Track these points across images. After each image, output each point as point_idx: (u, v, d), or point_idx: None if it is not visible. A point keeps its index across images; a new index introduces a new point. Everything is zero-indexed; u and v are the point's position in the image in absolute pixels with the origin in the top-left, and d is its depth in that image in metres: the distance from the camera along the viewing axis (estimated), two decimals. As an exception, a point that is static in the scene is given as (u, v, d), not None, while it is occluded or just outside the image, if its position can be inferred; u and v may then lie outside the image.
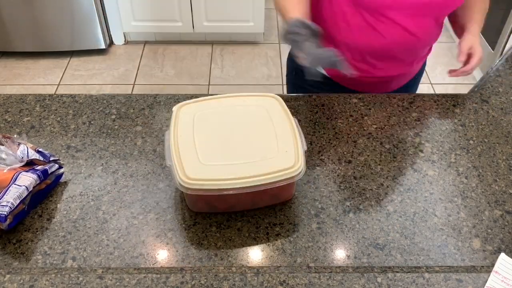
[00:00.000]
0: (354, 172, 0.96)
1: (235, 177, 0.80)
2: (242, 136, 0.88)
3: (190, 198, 0.86)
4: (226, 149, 0.85)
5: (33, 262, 0.80)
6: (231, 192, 0.80)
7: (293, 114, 1.09)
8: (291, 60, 1.31)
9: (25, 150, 0.88)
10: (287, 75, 1.39)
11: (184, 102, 0.93)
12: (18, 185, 0.83)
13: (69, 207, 0.89)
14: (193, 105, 0.93)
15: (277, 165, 0.82)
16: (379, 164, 0.98)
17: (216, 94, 0.95)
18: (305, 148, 0.87)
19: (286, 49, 1.31)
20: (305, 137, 1.02)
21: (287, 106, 1.09)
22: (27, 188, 0.83)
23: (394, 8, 1.06)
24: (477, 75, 2.72)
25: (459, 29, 1.19)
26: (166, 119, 1.07)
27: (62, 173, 0.93)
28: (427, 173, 0.96)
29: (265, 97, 0.96)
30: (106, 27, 2.89)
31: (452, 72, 1.15)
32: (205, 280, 0.77)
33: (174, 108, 0.92)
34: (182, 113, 0.91)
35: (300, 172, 0.83)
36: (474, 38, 1.12)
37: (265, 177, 0.80)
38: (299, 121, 1.06)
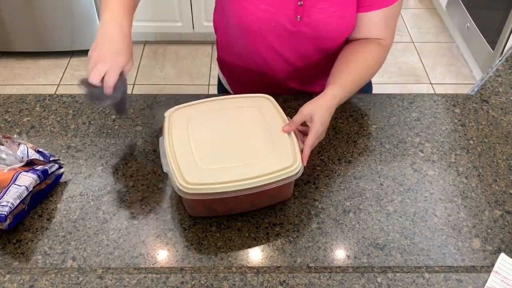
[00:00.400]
0: (354, 172, 0.96)
1: (235, 180, 0.80)
2: (238, 138, 0.88)
3: (189, 203, 0.86)
4: (223, 151, 0.85)
5: (33, 262, 0.80)
6: (231, 194, 0.80)
7: (293, 114, 1.09)
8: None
9: (25, 150, 0.89)
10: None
11: (176, 107, 0.93)
12: (18, 185, 0.83)
13: (69, 207, 0.89)
14: (186, 109, 0.93)
15: (275, 165, 0.82)
16: (379, 164, 0.98)
17: (213, 96, 0.95)
18: (302, 146, 0.87)
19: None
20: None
21: (287, 106, 1.10)
22: (27, 188, 0.83)
23: (260, 32, 1.03)
24: (477, 75, 2.72)
25: (326, 85, 0.97)
26: (166, 119, 1.07)
27: (62, 173, 0.93)
28: (427, 173, 0.96)
29: (257, 98, 0.96)
30: (106, 27, 2.89)
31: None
32: (205, 280, 0.77)
33: (167, 114, 0.91)
34: (175, 118, 0.91)
35: (298, 171, 0.83)
36: (319, 107, 0.89)
37: (265, 177, 0.80)
38: (299, 121, 1.06)
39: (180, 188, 0.79)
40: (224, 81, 1.31)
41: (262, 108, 0.93)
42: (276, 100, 1.12)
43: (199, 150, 0.85)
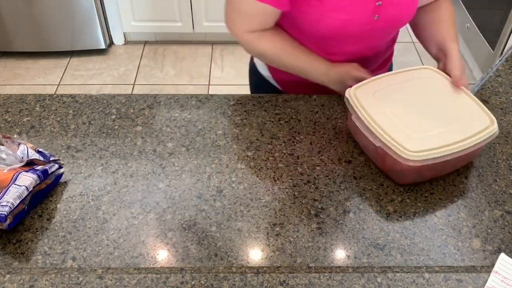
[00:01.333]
0: (354, 172, 0.96)
1: (452, 142, 0.86)
2: (428, 107, 0.94)
3: (402, 172, 0.89)
4: (423, 120, 0.90)
5: (33, 262, 0.80)
6: (452, 157, 0.86)
7: (293, 114, 1.09)
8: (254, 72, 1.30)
9: (25, 150, 0.89)
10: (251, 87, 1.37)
11: (355, 86, 0.97)
12: (18, 185, 0.83)
13: (69, 207, 0.89)
14: (365, 86, 0.97)
15: (477, 126, 0.89)
16: (379, 164, 0.98)
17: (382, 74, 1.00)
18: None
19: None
20: (305, 137, 1.02)
21: (287, 106, 1.10)
22: (27, 188, 0.83)
23: (335, 39, 1.05)
24: (477, 75, 2.72)
25: (434, 47, 1.08)
26: (166, 119, 1.07)
27: (62, 173, 0.93)
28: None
29: (421, 70, 1.02)
30: (106, 27, 2.90)
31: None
32: (205, 280, 0.77)
33: (348, 92, 0.96)
34: (358, 95, 0.95)
35: (497, 130, 0.90)
36: (460, 60, 1.01)
37: (475, 138, 0.87)
38: (299, 121, 1.07)
39: (407, 157, 0.84)
40: (271, 80, 1.27)
41: (430, 77, 1.00)
42: (276, 100, 1.12)
43: (400, 122, 0.90)
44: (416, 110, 0.93)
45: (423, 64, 2.84)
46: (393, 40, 1.21)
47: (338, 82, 1.06)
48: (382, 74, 1.01)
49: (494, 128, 0.90)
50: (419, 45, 3.05)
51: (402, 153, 0.85)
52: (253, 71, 1.31)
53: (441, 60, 1.06)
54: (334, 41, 1.06)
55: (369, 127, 0.90)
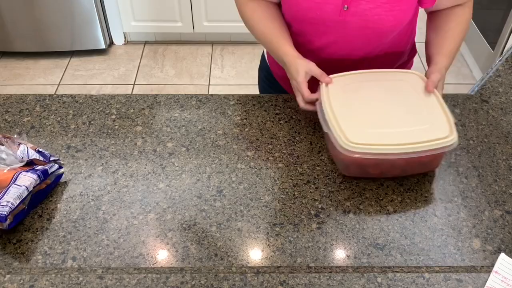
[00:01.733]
0: (354, 172, 0.96)
1: (396, 143, 0.86)
2: (393, 107, 0.93)
3: (345, 162, 0.91)
4: (380, 118, 0.91)
5: (33, 262, 0.80)
6: (392, 157, 0.86)
7: (293, 114, 1.09)
8: (263, 69, 1.32)
9: (25, 150, 0.89)
10: (259, 84, 1.39)
11: (332, 76, 0.98)
12: (18, 185, 0.83)
13: (69, 207, 0.89)
14: (340, 78, 0.98)
15: (432, 135, 0.87)
16: (379, 164, 0.98)
17: (364, 70, 1.00)
18: (454, 120, 0.91)
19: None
20: (305, 137, 1.02)
21: (287, 106, 1.10)
22: (27, 188, 0.83)
23: (308, 24, 1.05)
24: (477, 75, 2.72)
25: (428, 57, 1.08)
26: (166, 119, 1.07)
27: (62, 173, 0.93)
28: (427, 173, 0.96)
29: (406, 73, 1.02)
30: (106, 27, 2.90)
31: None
32: (205, 280, 0.77)
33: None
34: (331, 85, 0.96)
35: (454, 142, 0.87)
36: (439, 75, 0.98)
37: (424, 144, 0.86)
38: (299, 121, 1.07)
39: (344, 146, 0.85)
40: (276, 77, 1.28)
41: (412, 82, 0.99)
42: (276, 100, 1.12)
43: (358, 114, 0.91)
44: (379, 108, 0.93)
45: (422, 64, 2.85)
46: (392, 58, 1.16)
47: (291, 71, 1.02)
48: (366, 70, 1.01)
49: (449, 140, 0.87)
50: (419, 45, 3.05)
51: (340, 141, 0.86)
52: (262, 68, 1.33)
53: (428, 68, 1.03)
54: (308, 26, 1.05)
55: (324, 113, 0.92)
